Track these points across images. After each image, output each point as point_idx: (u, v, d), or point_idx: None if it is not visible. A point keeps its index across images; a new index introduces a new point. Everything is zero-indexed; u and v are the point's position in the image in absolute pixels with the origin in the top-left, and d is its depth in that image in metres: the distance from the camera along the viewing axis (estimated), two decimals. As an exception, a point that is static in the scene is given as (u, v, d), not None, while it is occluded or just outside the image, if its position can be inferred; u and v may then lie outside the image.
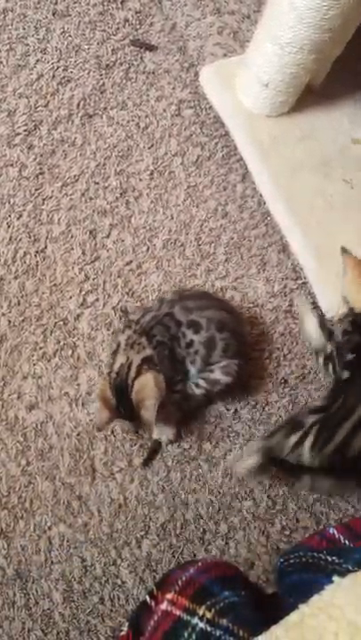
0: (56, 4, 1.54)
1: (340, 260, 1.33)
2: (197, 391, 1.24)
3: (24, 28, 1.52)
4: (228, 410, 1.33)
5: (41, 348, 1.32)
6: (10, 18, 1.53)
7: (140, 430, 1.21)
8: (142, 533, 1.25)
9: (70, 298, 1.36)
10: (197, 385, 1.24)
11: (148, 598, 0.78)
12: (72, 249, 1.38)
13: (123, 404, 1.10)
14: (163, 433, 1.28)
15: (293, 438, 1.16)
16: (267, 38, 1.29)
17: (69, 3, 1.54)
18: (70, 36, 1.51)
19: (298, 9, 1.19)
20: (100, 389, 1.11)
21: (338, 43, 1.33)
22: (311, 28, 1.21)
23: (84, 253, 1.39)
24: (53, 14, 1.53)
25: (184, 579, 0.80)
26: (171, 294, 1.21)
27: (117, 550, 1.24)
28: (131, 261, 1.39)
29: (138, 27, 1.56)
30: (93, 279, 1.37)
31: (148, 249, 1.41)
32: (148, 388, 1.08)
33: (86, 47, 1.50)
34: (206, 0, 1.50)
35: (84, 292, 1.36)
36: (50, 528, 1.24)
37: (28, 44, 1.51)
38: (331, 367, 1.28)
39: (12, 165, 1.41)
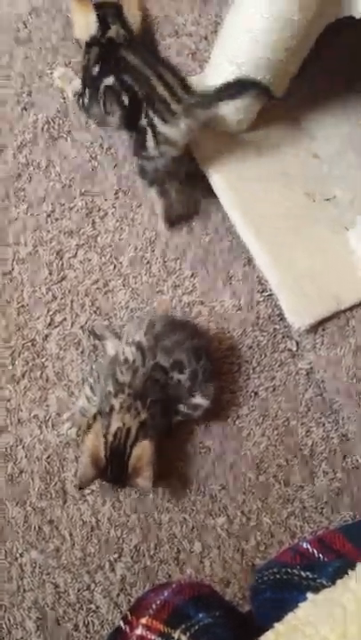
0: (18, 31, 1.56)
1: (303, 272, 1.35)
2: (177, 417, 1.25)
3: (-14, 56, 1.54)
4: (198, 425, 1.32)
5: (9, 371, 1.31)
6: (-27, 47, 1.55)
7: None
8: (116, 556, 1.23)
9: (38, 318, 1.35)
10: (177, 411, 1.24)
11: (122, 624, 0.76)
12: (39, 269, 1.38)
13: (115, 468, 1.13)
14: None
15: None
16: (224, 59, 1.31)
17: (31, 29, 1.56)
18: (33, 61, 1.54)
19: (253, 31, 1.22)
20: (90, 445, 1.13)
21: (294, 61, 1.35)
22: (267, 49, 1.24)
23: (50, 274, 1.38)
24: (15, 41, 1.56)
25: (158, 602, 0.79)
26: (144, 338, 1.21)
27: (91, 575, 1.22)
28: (98, 280, 1.39)
29: (100, 52, 1.58)
30: (61, 299, 1.37)
31: (114, 267, 1.41)
32: (146, 456, 1.12)
33: (49, 72, 1.52)
34: (164, 23, 1.53)
35: (51, 312, 1.36)
36: (21, 555, 1.22)
37: (-10, 72, 1.53)
38: (81, 100, 1.41)
39: (-24, 190, 1.42)
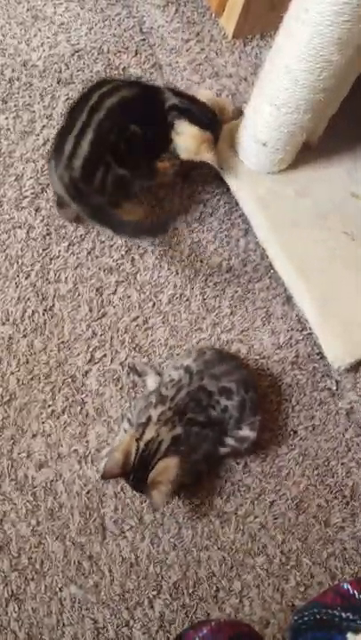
0: (60, 72, 1.61)
1: (343, 310, 1.35)
2: (223, 450, 1.26)
3: (30, 96, 1.59)
4: (237, 463, 1.33)
5: (50, 406, 1.33)
6: (16, 86, 1.59)
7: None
8: (154, 593, 1.23)
9: (78, 355, 1.37)
10: (224, 444, 1.25)
11: None
12: (79, 306, 1.41)
13: (137, 475, 1.14)
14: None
15: None
16: (263, 99, 1.33)
17: (73, 71, 1.61)
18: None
19: (292, 71, 1.23)
20: (125, 444, 1.14)
21: (333, 102, 1.37)
22: (306, 89, 1.25)
23: (90, 310, 1.41)
24: (58, 82, 1.60)
25: (197, 640, 0.79)
26: (193, 363, 1.24)
27: (130, 611, 1.22)
28: (137, 317, 1.42)
29: (140, 91, 1.62)
30: (101, 335, 1.39)
31: (153, 304, 1.43)
32: (169, 472, 1.13)
33: (90, 112, 1.55)
34: (205, 65, 1.56)
35: (91, 349, 1.38)
36: (61, 589, 1.22)
37: (33, 111, 1.57)
38: None
39: (20, 227, 1.45)
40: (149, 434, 1.15)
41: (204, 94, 1.44)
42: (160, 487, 1.12)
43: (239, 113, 1.45)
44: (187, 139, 1.36)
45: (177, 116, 1.36)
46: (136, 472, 1.14)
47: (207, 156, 1.37)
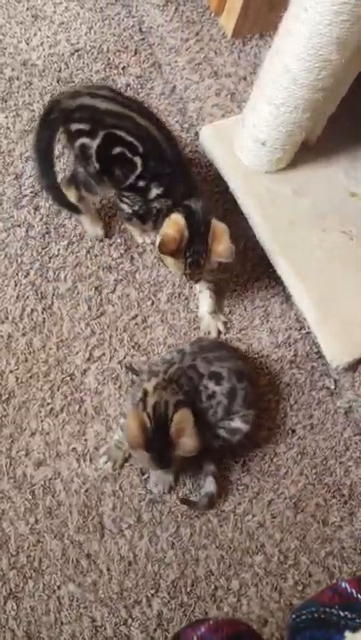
0: (60, 71, 1.61)
1: (342, 309, 1.36)
2: (215, 442, 1.26)
3: (30, 95, 1.59)
4: (236, 462, 1.33)
5: (48, 404, 1.33)
6: (16, 85, 1.60)
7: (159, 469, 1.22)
8: (153, 591, 1.23)
9: (77, 353, 1.37)
10: (216, 435, 1.25)
11: None
12: (78, 305, 1.41)
13: (158, 438, 1.12)
14: (159, 482, 1.28)
15: None
16: (262, 99, 1.34)
17: (73, 70, 1.61)
18: (74, 101, 1.58)
19: (292, 71, 1.24)
20: (135, 414, 1.11)
21: (331, 101, 1.38)
22: (305, 89, 1.26)
23: (89, 309, 1.41)
24: (58, 81, 1.61)
25: (195, 638, 0.79)
26: (189, 347, 1.25)
27: (128, 610, 1.21)
28: (136, 315, 1.42)
29: (140, 90, 1.63)
30: (99, 334, 1.39)
31: (152, 303, 1.43)
32: (188, 419, 1.11)
33: (89, 111, 1.56)
34: (204, 64, 1.57)
35: (90, 347, 1.38)
36: (59, 588, 1.22)
37: (33, 110, 1.57)
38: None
39: (19, 226, 1.46)
40: (152, 400, 1.13)
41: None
42: (186, 432, 1.10)
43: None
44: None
45: (182, 211, 1.27)
46: (155, 435, 1.11)
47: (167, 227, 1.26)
